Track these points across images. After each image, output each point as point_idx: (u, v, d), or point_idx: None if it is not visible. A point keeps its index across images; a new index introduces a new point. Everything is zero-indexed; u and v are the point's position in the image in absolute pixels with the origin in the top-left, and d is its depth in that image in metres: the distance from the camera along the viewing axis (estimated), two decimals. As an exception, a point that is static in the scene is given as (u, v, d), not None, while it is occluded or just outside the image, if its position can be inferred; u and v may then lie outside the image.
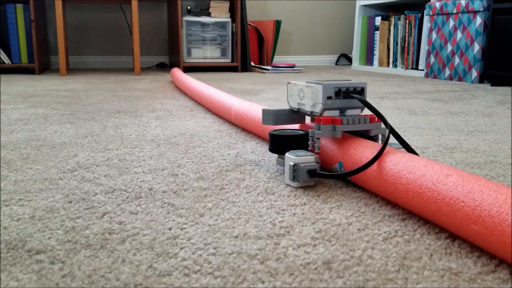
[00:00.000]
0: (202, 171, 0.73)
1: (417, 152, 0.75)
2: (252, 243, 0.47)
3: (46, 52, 3.12)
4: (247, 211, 0.56)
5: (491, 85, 2.20)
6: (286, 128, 0.79)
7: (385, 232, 0.50)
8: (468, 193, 0.45)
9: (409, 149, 0.64)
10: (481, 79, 2.31)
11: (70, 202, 0.58)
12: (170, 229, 0.50)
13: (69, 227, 0.50)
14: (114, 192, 0.62)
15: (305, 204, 0.58)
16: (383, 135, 0.68)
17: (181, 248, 0.45)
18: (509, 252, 0.40)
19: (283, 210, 0.56)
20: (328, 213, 0.55)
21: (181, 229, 0.50)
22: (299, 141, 0.68)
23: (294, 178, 0.64)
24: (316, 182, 0.67)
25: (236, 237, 0.48)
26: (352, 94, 0.67)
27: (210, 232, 0.50)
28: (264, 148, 0.88)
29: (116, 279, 0.40)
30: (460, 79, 2.42)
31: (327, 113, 0.67)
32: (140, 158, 0.80)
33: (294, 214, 0.55)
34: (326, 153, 0.69)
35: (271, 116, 0.75)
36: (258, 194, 0.62)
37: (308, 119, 0.80)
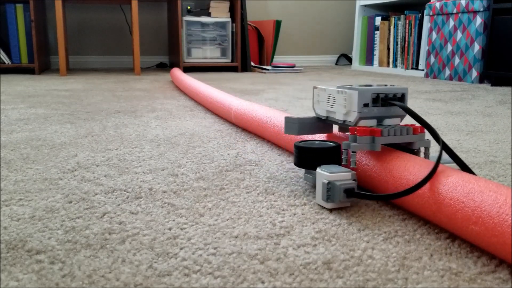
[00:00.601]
0: (202, 171, 0.73)
1: (473, 171, 0.63)
2: (252, 243, 0.47)
3: (46, 52, 3.12)
4: (247, 211, 0.56)
5: (491, 85, 2.20)
6: (312, 138, 0.73)
7: (385, 232, 0.50)
8: (468, 193, 0.45)
9: (464, 167, 0.54)
10: (481, 79, 2.31)
11: (70, 202, 0.58)
12: (170, 229, 0.50)
13: (69, 227, 0.50)
14: (114, 192, 0.62)
15: (305, 204, 0.58)
16: (426, 148, 0.59)
17: (181, 248, 0.45)
18: (509, 253, 0.40)
19: (283, 210, 0.56)
20: (328, 213, 0.55)
21: (181, 229, 0.50)
22: (331, 155, 0.60)
23: (328, 198, 0.55)
24: (352, 202, 0.59)
25: (236, 237, 0.48)
26: (393, 101, 0.59)
27: (210, 232, 0.50)
28: (264, 148, 0.88)
29: (116, 279, 0.40)
30: (460, 79, 2.42)
31: (362, 123, 0.59)
32: (140, 158, 0.80)
33: (294, 214, 0.55)
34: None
35: (295, 125, 0.67)
36: (258, 194, 0.62)
37: (335, 128, 0.73)
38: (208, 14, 3.09)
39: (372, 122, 0.60)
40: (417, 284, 0.39)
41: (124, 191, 0.63)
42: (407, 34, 2.93)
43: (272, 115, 0.89)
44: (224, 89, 1.97)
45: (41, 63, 2.84)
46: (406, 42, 2.94)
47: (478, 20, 2.28)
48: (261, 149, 0.87)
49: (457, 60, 2.43)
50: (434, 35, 2.59)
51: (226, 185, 0.66)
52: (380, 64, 3.19)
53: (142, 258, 0.44)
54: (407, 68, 2.93)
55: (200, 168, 0.74)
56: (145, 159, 0.80)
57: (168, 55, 3.55)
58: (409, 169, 0.53)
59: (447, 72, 2.50)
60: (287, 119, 0.69)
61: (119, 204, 0.58)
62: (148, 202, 0.59)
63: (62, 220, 0.52)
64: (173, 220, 0.53)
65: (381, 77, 2.70)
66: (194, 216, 0.54)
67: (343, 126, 0.64)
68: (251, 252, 0.45)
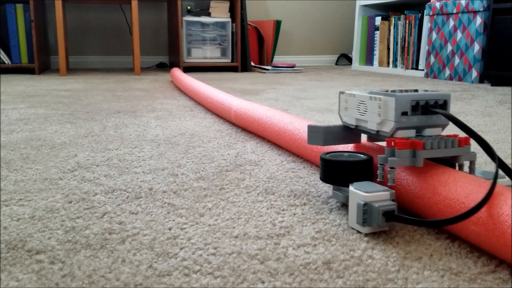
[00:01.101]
0: (202, 171, 0.73)
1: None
2: (252, 243, 0.47)
3: (46, 52, 3.12)
4: (247, 211, 0.56)
5: (491, 85, 2.20)
6: (338, 149, 0.66)
7: (385, 232, 0.50)
8: (468, 194, 0.45)
9: None
10: (481, 79, 2.31)
11: (70, 202, 0.58)
12: (170, 229, 0.50)
13: (69, 227, 0.50)
14: (114, 192, 0.62)
15: (305, 204, 0.58)
16: (472, 162, 0.53)
17: (181, 248, 0.45)
18: (509, 253, 0.40)
19: (283, 210, 0.56)
20: (328, 213, 0.55)
21: (181, 229, 0.50)
22: (364, 169, 0.54)
23: (364, 221, 0.48)
24: (391, 225, 0.51)
25: (236, 237, 0.48)
26: (435, 109, 0.53)
27: (210, 232, 0.50)
28: (264, 148, 0.88)
29: (116, 279, 0.40)
30: (460, 79, 2.42)
31: (400, 133, 0.53)
32: (140, 158, 0.80)
33: (294, 214, 0.55)
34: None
35: (320, 134, 0.61)
36: (258, 194, 0.62)
37: (363, 137, 0.67)
38: (208, 14, 3.09)
39: (411, 133, 0.53)
40: (417, 284, 0.39)
41: (124, 191, 0.63)
42: (407, 34, 2.93)
43: (272, 115, 0.89)
44: (224, 89, 1.97)
45: (41, 63, 2.84)
46: (406, 42, 2.94)
47: (478, 20, 2.28)
48: (261, 149, 0.87)
49: (457, 60, 2.43)
50: (434, 35, 2.59)
51: (226, 185, 0.66)
52: (380, 64, 3.19)
53: (142, 258, 0.44)
54: (407, 68, 2.93)
55: (200, 168, 0.74)
56: (145, 159, 0.80)
57: (168, 55, 3.55)
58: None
59: (447, 72, 2.50)
60: (311, 128, 0.62)
61: (119, 204, 0.58)
62: (148, 202, 0.59)
63: (62, 220, 0.52)
64: (173, 220, 0.53)
65: (381, 77, 2.70)
66: (194, 216, 0.54)
67: (376, 137, 0.58)
68: (251, 252, 0.45)
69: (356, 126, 0.60)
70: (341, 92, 0.62)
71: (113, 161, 0.78)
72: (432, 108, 0.53)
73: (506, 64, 2.16)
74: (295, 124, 0.80)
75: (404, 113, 0.52)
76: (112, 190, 0.63)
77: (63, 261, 0.43)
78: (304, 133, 0.77)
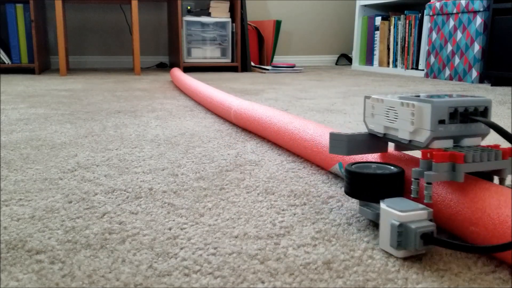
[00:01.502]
0: (202, 171, 0.73)
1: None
2: (252, 243, 0.47)
3: (46, 52, 3.12)
4: (247, 211, 0.56)
5: (491, 85, 2.20)
6: (363, 160, 0.61)
7: (385, 232, 0.50)
8: (468, 194, 0.45)
9: None
10: (481, 79, 2.31)
11: (70, 202, 0.58)
12: (170, 229, 0.50)
13: (69, 227, 0.50)
14: (114, 192, 0.62)
15: (305, 204, 0.58)
16: None
17: (181, 248, 0.45)
18: (509, 254, 0.40)
19: (283, 210, 0.56)
20: (329, 213, 0.55)
21: (181, 229, 0.50)
22: (396, 183, 0.49)
23: (399, 244, 0.43)
24: (429, 249, 0.46)
25: (236, 237, 0.48)
26: (475, 117, 0.48)
27: (210, 232, 0.50)
28: (264, 148, 0.88)
29: (116, 279, 0.40)
30: (460, 79, 2.42)
31: (437, 144, 0.48)
32: (140, 158, 0.80)
33: (294, 214, 0.55)
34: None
35: (344, 143, 0.56)
36: (258, 194, 0.62)
37: (391, 146, 0.62)
38: (208, 14, 3.09)
39: (448, 143, 0.48)
40: (417, 284, 0.39)
41: (124, 191, 0.63)
42: (407, 34, 2.93)
43: (272, 115, 0.89)
44: (224, 89, 1.97)
45: (41, 63, 2.84)
46: (406, 42, 2.94)
47: (478, 20, 2.28)
48: (261, 149, 0.87)
49: (457, 60, 2.43)
50: (434, 35, 2.59)
51: (226, 185, 0.66)
52: (380, 64, 3.19)
53: (142, 258, 0.44)
54: (407, 68, 2.93)
55: (200, 168, 0.74)
56: (145, 159, 0.80)
57: (168, 55, 3.55)
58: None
59: (447, 72, 2.50)
60: (333, 136, 0.57)
61: (119, 204, 0.58)
62: (148, 202, 0.59)
63: (62, 220, 0.52)
64: (173, 220, 0.53)
65: (381, 77, 2.70)
66: (194, 216, 0.54)
67: (406, 146, 0.53)
68: (251, 252, 0.45)
69: (384, 134, 0.54)
70: (367, 97, 0.56)
71: (113, 161, 0.78)
72: (472, 116, 0.48)
73: (506, 64, 2.16)
74: (295, 124, 0.81)
75: (441, 121, 0.47)
76: (112, 190, 0.63)
77: (63, 261, 0.43)
78: (304, 132, 0.77)
